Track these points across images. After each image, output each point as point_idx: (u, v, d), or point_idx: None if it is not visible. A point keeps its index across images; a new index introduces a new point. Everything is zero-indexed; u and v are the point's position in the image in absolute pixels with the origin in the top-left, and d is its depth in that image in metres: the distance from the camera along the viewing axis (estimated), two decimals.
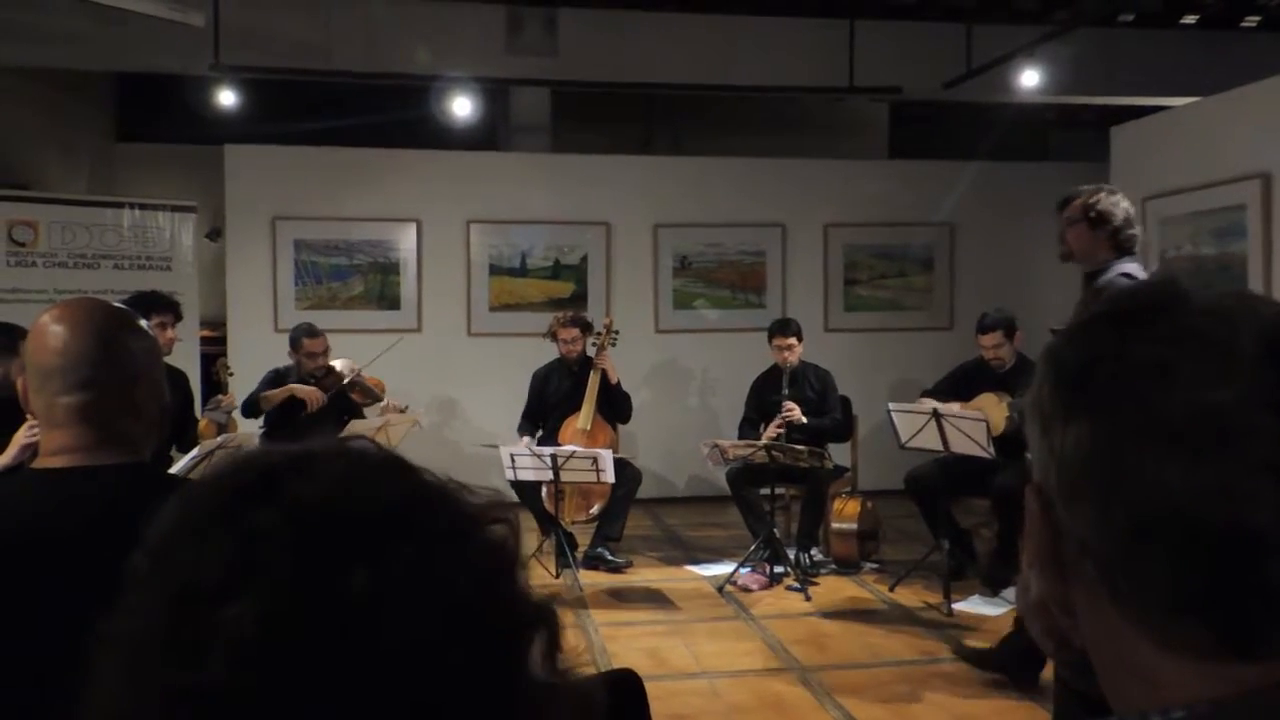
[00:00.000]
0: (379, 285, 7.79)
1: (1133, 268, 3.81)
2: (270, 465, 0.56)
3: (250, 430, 5.26)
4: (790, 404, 5.83)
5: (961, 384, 5.66)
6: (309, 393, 5.60)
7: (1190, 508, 0.55)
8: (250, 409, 5.60)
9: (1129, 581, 0.58)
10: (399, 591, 0.50)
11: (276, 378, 5.75)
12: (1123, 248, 3.83)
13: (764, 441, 5.61)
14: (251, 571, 0.50)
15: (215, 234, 8.70)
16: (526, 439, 6.03)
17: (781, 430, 5.77)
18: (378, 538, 0.52)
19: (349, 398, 5.84)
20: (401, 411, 5.82)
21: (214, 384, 6.01)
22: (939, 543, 5.25)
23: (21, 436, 3.13)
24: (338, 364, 5.87)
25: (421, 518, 0.54)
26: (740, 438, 6.10)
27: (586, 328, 6.25)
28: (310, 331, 5.79)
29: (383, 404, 5.93)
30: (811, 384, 6.05)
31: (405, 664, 0.49)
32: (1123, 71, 7.74)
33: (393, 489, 0.55)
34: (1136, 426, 0.57)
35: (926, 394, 5.66)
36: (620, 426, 6.33)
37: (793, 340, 5.99)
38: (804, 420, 5.82)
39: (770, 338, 6.10)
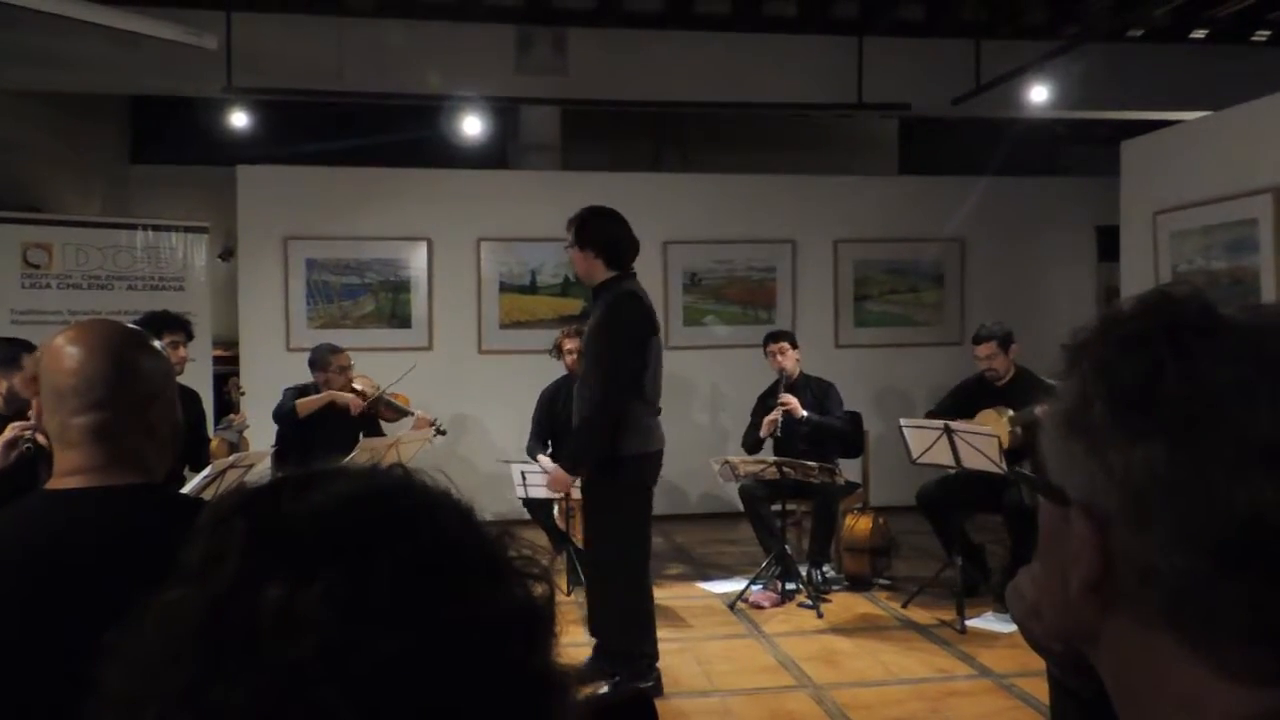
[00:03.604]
0: (390, 304, 7.82)
1: (634, 286, 3.92)
2: (280, 478, 0.59)
3: (263, 450, 5.26)
4: (787, 395, 5.82)
5: (963, 402, 5.64)
6: (350, 399, 5.69)
7: None
8: (285, 417, 5.61)
9: (1202, 608, 0.56)
10: (321, 613, 0.50)
11: (302, 394, 5.74)
12: (620, 266, 3.94)
13: (774, 458, 5.60)
14: (209, 565, 0.53)
15: (228, 254, 8.76)
16: (542, 458, 5.99)
17: (778, 420, 5.75)
18: (317, 560, 0.52)
19: (371, 415, 5.90)
20: (431, 424, 5.86)
21: (226, 403, 6.04)
22: (952, 559, 5.23)
23: (6, 435, 3.07)
24: (357, 384, 5.91)
25: (398, 552, 0.53)
26: (744, 447, 6.09)
27: None
28: (334, 349, 5.86)
29: (414, 417, 5.99)
30: (812, 391, 6.03)
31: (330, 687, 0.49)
32: (1132, 86, 7.73)
33: (372, 514, 0.55)
34: (1224, 449, 0.55)
35: (931, 415, 5.63)
36: None
37: (784, 345, 6.00)
38: (804, 413, 5.79)
39: (764, 347, 6.12)
